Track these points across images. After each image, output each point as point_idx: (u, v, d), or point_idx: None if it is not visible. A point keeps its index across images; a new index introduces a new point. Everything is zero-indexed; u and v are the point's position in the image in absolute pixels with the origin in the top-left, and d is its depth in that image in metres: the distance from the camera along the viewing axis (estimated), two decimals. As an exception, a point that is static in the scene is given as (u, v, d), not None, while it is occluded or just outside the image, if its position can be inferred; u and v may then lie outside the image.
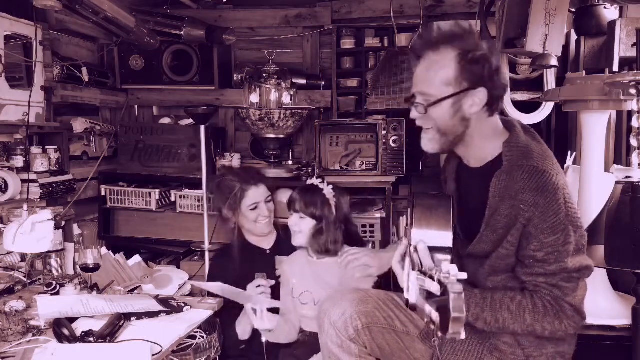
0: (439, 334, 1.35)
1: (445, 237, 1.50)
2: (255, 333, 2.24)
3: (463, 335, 1.32)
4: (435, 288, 1.32)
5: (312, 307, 2.10)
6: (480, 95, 1.48)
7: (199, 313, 2.01)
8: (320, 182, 2.16)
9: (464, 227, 1.64)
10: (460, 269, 1.50)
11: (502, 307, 1.48)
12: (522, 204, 1.43)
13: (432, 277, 1.32)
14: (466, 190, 1.63)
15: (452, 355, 1.61)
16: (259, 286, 2.18)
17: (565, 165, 2.46)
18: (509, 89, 1.59)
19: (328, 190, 2.14)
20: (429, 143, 1.56)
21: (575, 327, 1.50)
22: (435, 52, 1.49)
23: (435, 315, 1.33)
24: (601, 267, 2.02)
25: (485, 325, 1.50)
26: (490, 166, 1.55)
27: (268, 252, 2.41)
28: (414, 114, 1.55)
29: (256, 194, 2.35)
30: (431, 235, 1.50)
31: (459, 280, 1.33)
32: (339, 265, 2.10)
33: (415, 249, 1.43)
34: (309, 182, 2.20)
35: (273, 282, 2.21)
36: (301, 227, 2.13)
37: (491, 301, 1.48)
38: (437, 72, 1.48)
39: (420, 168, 3.53)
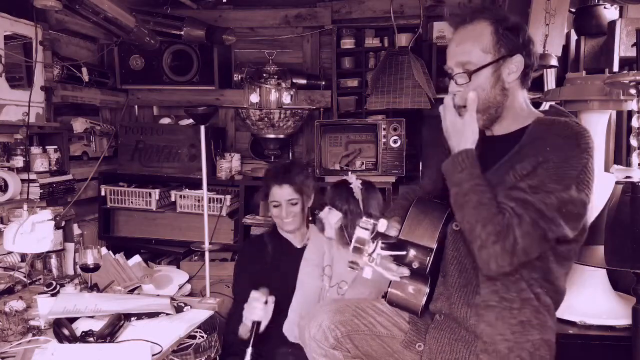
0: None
1: (427, 244, 1.55)
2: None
3: (366, 273, 1.49)
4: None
5: (333, 292, 2.17)
6: (517, 62, 1.52)
7: (199, 313, 2.00)
8: (346, 175, 2.20)
9: None
10: (464, 241, 1.55)
11: (485, 193, 1.43)
12: (548, 146, 1.43)
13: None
14: (487, 159, 1.59)
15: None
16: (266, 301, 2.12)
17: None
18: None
19: (355, 185, 2.15)
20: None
21: (505, 260, 1.41)
22: (469, 24, 1.54)
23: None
24: (601, 267, 2.02)
25: (458, 191, 1.47)
26: (523, 130, 1.55)
27: (299, 248, 2.38)
28: (453, 87, 1.56)
29: (277, 193, 2.33)
30: (415, 239, 1.55)
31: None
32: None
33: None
34: (344, 177, 2.23)
35: (271, 299, 2.13)
36: (329, 219, 2.16)
37: (481, 178, 1.46)
38: (475, 41, 1.52)
39: (420, 168, 3.54)
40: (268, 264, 2.32)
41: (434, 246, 1.53)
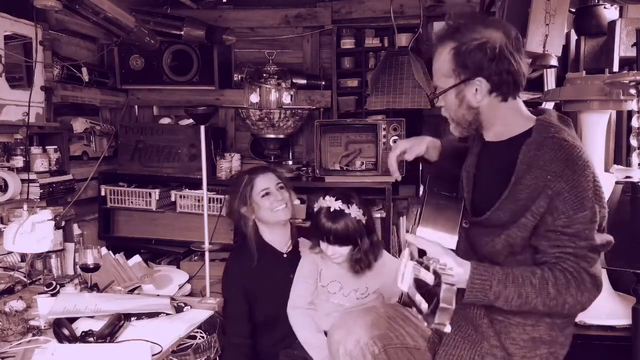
0: (424, 324, 1.37)
1: (449, 240, 1.51)
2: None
3: (448, 329, 1.35)
4: (429, 278, 1.35)
5: (340, 296, 2.16)
6: (479, 85, 1.51)
7: (199, 313, 2.01)
8: (341, 204, 2.09)
9: (477, 200, 1.62)
10: (467, 241, 1.53)
11: (525, 281, 1.43)
12: (549, 174, 1.42)
13: (427, 268, 1.36)
14: (484, 163, 1.63)
15: None
16: None
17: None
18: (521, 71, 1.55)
19: (356, 212, 2.09)
20: (452, 129, 1.66)
21: (592, 299, 1.48)
22: (440, 47, 1.57)
23: (425, 306, 1.35)
24: (601, 267, 2.02)
25: (506, 302, 1.45)
26: (515, 139, 1.55)
27: (285, 255, 2.36)
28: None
29: (265, 179, 2.36)
30: (436, 236, 1.50)
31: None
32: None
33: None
34: (330, 206, 2.10)
35: None
36: (342, 253, 2.13)
37: (513, 277, 1.44)
38: (439, 66, 1.58)
39: (420, 168, 3.54)
40: (258, 273, 2.30)
41: (454, 246, 1.49)
